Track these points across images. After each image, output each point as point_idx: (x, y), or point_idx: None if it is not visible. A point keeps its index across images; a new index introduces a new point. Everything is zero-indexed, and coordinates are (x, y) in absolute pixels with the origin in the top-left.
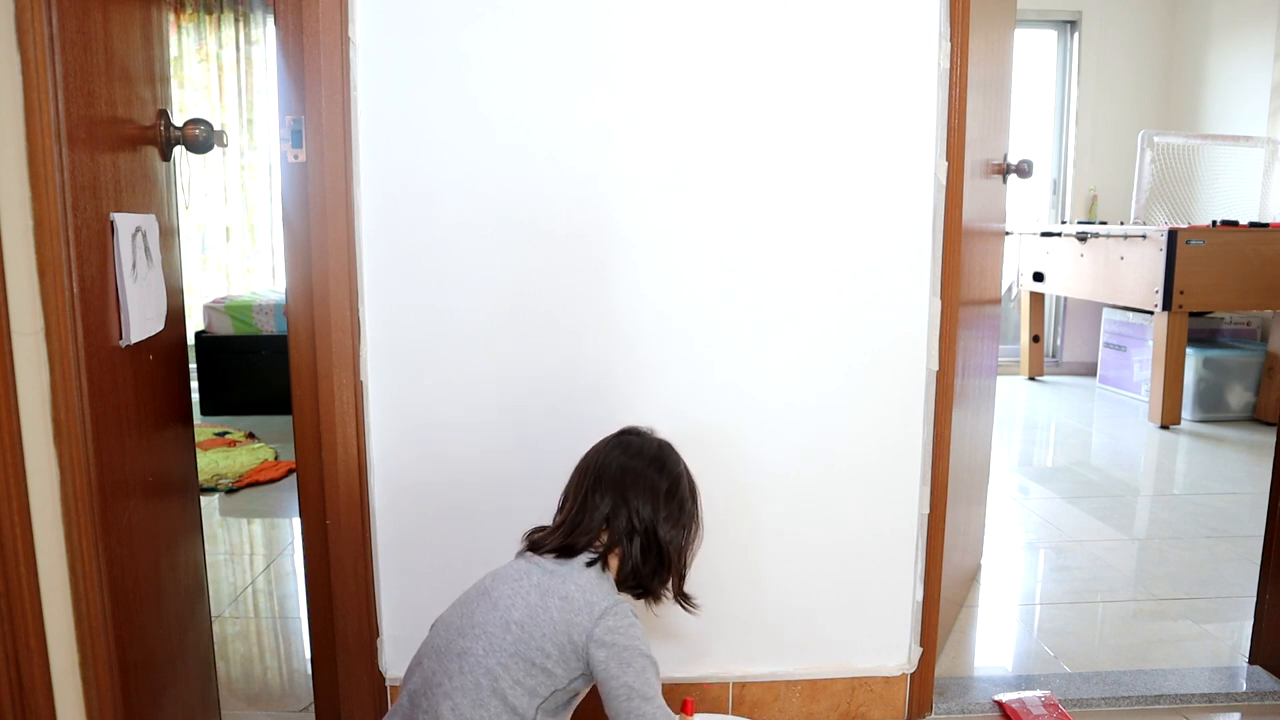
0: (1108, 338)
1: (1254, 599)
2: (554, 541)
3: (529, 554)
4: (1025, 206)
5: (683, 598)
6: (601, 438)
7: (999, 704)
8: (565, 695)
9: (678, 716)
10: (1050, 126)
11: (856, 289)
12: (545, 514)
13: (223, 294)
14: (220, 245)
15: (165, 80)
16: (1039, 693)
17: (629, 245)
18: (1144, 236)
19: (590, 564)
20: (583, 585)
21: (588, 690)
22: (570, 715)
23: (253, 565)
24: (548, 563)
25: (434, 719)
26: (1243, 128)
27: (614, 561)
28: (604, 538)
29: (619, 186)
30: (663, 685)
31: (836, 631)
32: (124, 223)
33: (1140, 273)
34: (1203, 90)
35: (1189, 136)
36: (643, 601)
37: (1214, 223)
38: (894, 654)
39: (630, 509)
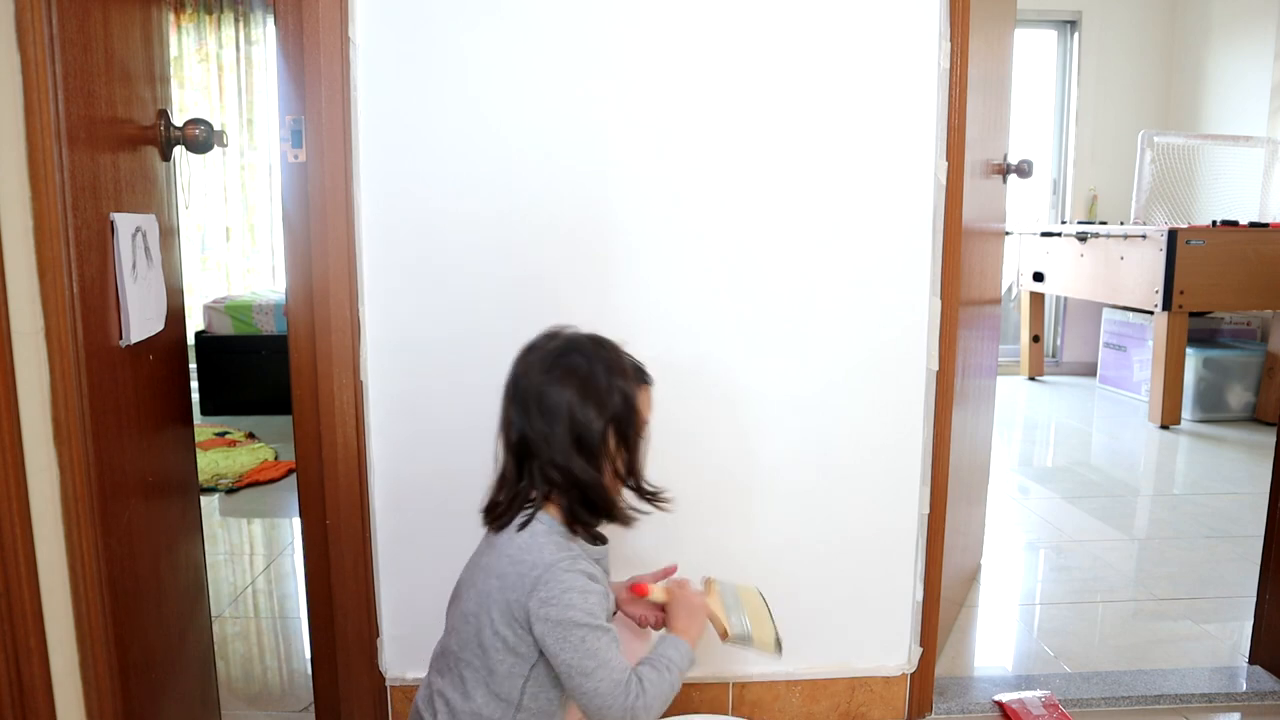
0: (1108, 338)
1: (1254, 599)
2: (493, 513)
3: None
4: (1025, 206)
5: (649, 497)
6: None
7: (999, 704)
8: (547, 670)
9: (629, 672)
10: (1050, 126)
11: (856, 288)
12: None
13: (223, 294)
14: (220, 245)
15: (165, 80)
16: (1039, 693)
17: (629, 244)
18: (1144, 236)
19: (523, 526)
20: (515, 557)
21: None
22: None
23: (253, 565)
24: (491, 537)
25: (433, 716)
26: (1243, 128)
27: (554, 509)
28: (528, 488)
29: (619, 185)
30: None
31: (836, 631)
32: (124, 223)
33: (1140, 273)
34: (1203, 90)
35: (1189, 136)
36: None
37: (1214, 223)
38: (894, 654)
39: (548, 448)
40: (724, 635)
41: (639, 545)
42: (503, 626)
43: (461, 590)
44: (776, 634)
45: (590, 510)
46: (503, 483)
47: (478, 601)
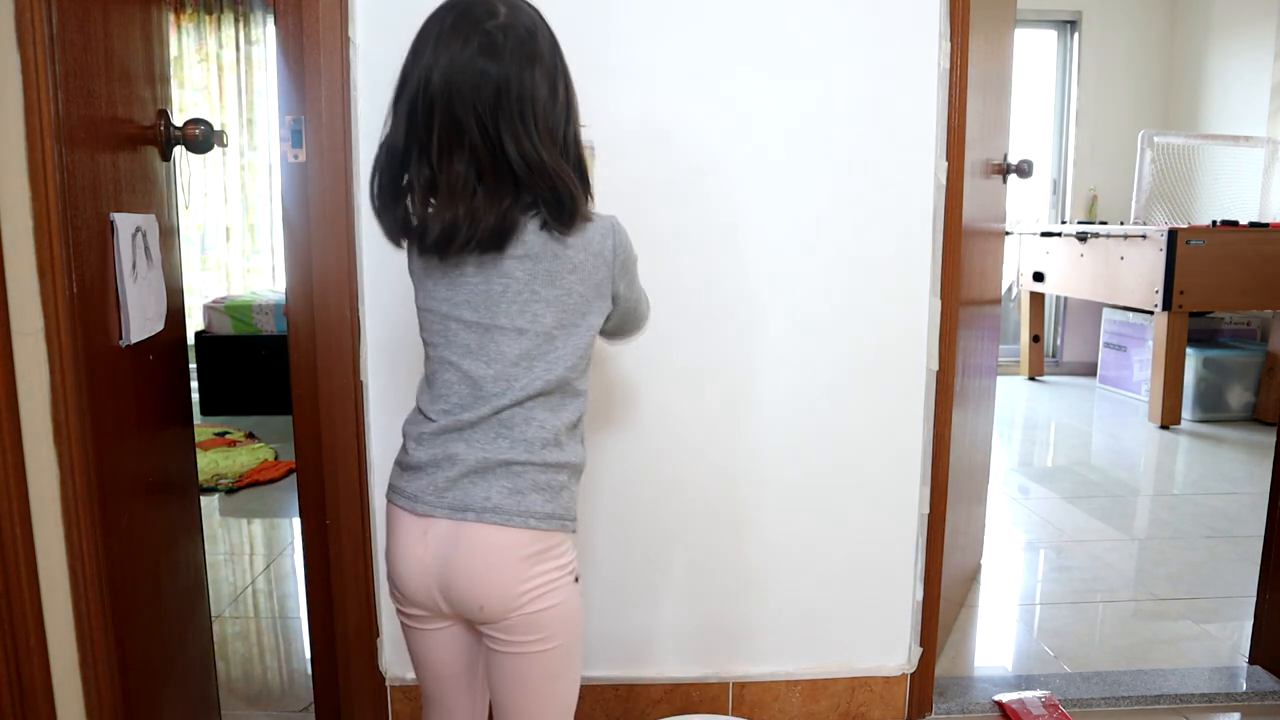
0: (1108, 338)
1: (1254, 599)
2: (476, 236)
3: (449, 262)
4: (1025, 206)
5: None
6: (595, 437)
7: (999, 704)
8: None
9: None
10: (1050, 126)
11: (857, 289)
12: None
13: (223, 294)
14: (220, 245)
15: (165, 80)
16: (1039, 693)
17: None
18: (1144, 236)
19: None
20: (576, 245)
21: None
22: None
23: (253, 565)
24: (494, 265)
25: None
26: (1243, 128)
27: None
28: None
29: (618, 184)
30: (662, 687)
31: (836, 631)
32: (124, 223)
33: (1140, 273)
34: (1203, 90)
35: (1189, 136)
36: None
37: (1214, 223)
38: (894, 654)
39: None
40: None
41: (636, 542)
42: (594, 316)
43: (497, 337)
44: None
45: (562, 206)
46: (471, 200)
47: (557, 319)
